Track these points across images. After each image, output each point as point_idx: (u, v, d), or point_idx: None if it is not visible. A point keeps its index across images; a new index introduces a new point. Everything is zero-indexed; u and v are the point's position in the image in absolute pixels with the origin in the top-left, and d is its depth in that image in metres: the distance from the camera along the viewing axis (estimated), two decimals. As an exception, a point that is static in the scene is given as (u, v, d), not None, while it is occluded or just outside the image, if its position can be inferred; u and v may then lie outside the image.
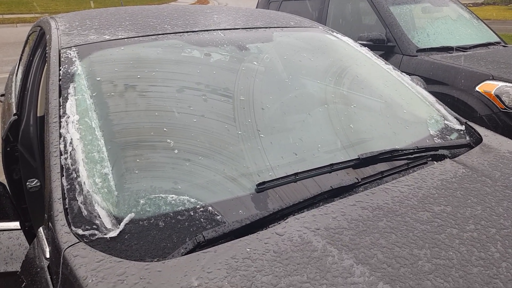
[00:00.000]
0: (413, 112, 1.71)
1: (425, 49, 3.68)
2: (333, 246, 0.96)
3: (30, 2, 19.07)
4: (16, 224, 1.21)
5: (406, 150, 1.38)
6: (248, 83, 1.56)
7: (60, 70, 1.46)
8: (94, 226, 1.04)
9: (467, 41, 3.88)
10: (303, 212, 1.08)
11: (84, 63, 1.49)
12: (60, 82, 1.40)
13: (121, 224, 1.04)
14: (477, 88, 3.18)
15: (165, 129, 1.30)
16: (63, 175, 1.14)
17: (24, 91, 2.23)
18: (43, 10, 18.04)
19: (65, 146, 1.20)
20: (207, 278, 0.88)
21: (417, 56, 3.62)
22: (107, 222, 1.05)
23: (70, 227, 1.03)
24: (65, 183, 1.12)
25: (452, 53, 3.67)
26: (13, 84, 2.88)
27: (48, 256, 1.07)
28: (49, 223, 1.10)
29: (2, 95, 3.04)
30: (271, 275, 0.89)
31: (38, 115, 2.16)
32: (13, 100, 2.52)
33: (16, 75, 3.02)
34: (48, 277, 1.01)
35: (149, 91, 1.43)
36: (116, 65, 1.51)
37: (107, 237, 1.02)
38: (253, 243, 0.98)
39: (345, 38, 2.11)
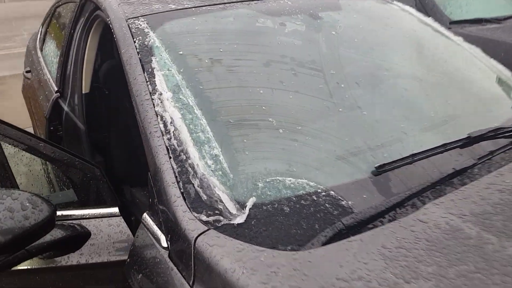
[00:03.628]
0: (497, 86, 1.64)
1: (458, 21, 3.57)
2: (489, 233, 0.89)
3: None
4: (114, 210, 1.12)
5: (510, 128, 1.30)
6: (333, 55, 1.46)
7: (134, 42, 1.34)
8: (216, 212, 0.96)
9: (500, 12, 3.77)
10: (440, 197, 1.01)
11: (159, 34, 1.38)
12: (140, 56, 1.29)
13: (246, 208, 0.97)
14: (517, 62, 3.11)
15: (263, 107, 1.21)
16: (170, 157, 1.05)
17: (65, 66, 2.10)
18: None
19: (165, 125, 1.11)
20: (367, 269, 0.81)
21: (450, 28, 3.51)
22: (231, 207, 0.97)
23: (191, 212, 0.95)
24: (174, 166, 1.04)
25: (486, 25, 3.57)
26: (41, 59, 2.72)
27: (165, 245, 0.99)
28: (161, 208, 1.02)
29: (28, 71, 2.88)
30: (434, 265, 0.82)
31: (83, 92, 2.03)
32: (48, 77, 2.39)
33: (42, 50, 2.86)
34: (174, 268, 0.93)
35: (237, 66, 1.32)
36: (193, 37, 1.40)
37: (233, 223, 0.94)
38: (400, 231, 0.91)
39: (406, 7, 2.00)
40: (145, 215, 1.09)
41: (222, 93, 1.23)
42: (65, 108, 2.04)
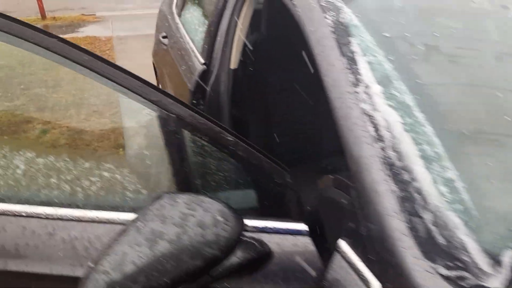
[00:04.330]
0: None
1: None
2: None
3: None
4: (302, 227, 0.92)
5: None
6: None
7: (327, 18, 1.10)
8: (460, 265, 0.70)
9: None
10: None
11: (354, 10, 1.11)
12: (335, 35, 1.04)
13: (504, 265, 0.69)
14: None
15: (507, 117, 0.89)
16: (389, 175, 0.81)
17: (214, 37, 1.95)
18: None
19: (376, 130, 0.86)
20: None
21: None
22: (482, 260, 0.70)
23: (426, 261, 0.71)
24: (394, 188, 0.79)
25: None
26: (180, 25, 2.65)
27: None
28: (373, 243, 0.79)
29: (165, 37, 2.84)
30: None
31: (231, 67, 1.88)
32: (190, 46, 2.29)
33: (180, 16, 2.79)
34: None
35: (461, 56, 1.02)
36: (397, 15, 1.12)
37: (487, 286, 0.68)
38: None
39: None
40: (341, 242, 0.87)
41: (448, 91, 0.94)
42: (211, 82, 1.91)
